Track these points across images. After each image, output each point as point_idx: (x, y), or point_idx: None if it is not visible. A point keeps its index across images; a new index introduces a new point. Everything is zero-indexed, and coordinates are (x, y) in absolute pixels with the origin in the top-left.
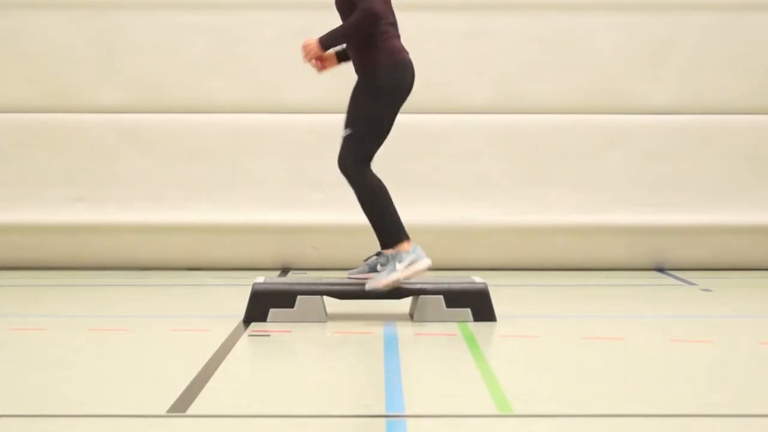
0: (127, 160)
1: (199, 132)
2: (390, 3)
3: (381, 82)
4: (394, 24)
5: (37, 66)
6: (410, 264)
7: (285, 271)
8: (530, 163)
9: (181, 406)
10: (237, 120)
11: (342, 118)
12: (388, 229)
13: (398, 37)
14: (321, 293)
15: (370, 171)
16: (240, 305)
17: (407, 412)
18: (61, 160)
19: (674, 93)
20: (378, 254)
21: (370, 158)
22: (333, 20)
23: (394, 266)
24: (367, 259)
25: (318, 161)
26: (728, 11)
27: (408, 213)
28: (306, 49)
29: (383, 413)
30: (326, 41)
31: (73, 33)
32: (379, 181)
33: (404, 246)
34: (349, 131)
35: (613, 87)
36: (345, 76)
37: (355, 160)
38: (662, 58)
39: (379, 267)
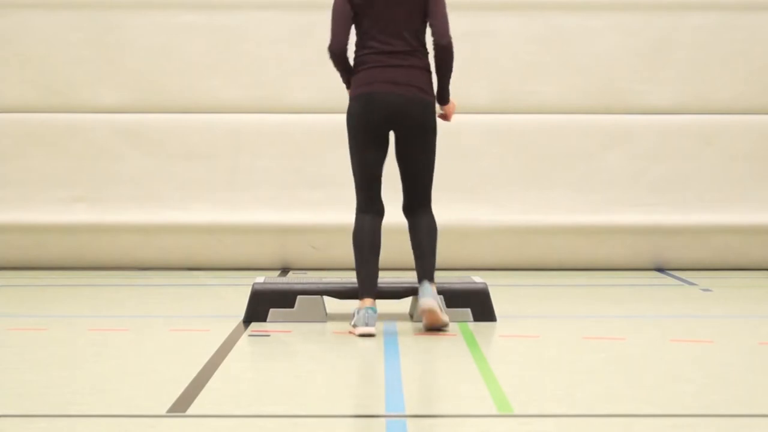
0: (127, 160)
1: (199, 132)
2: (380, 25)
3: (346, 115)
4: (378, 51)
5: (37, 66)
6: (353, 325)
7: (285, 271)
8: (530, 163)
9: (181, 406)
10: (237, 120)
11: (342, 117)
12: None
13: (375, 66)
14: (321, 293)
15: (359, 218)
16: (240, 305)
17: (407, 412)
18: (61, 160)
19: (674, 93)
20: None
21: (367, 196)
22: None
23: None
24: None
25: (318, 161)
26: (728, 11)
27: None
28: (452, 110)
29: (383, 413)
30: (448, 95)
31: (73, 33)
32: (359, 230)
33: (357, 304)
34: None
35: (613, 87)
36: None
37: (357, 202)
38: (662, 58)
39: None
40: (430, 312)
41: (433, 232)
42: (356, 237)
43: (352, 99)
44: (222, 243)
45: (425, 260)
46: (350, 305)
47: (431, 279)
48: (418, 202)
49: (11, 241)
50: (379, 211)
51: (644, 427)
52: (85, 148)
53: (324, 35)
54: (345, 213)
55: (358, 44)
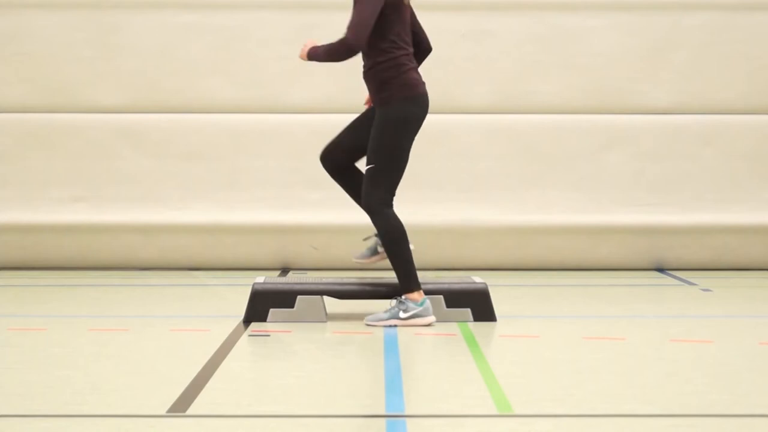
0: (127, 160)
1: (199, 132)
2: (406, 29)
3: (396, 114)
4: (409, 53)
5: (37, 66)
6: (413, 317)
7: (285, 271)
8: (530, 163)
9: (181, 406)
10: (237, 120)
11: (342, 118)
12: (402, 274)
13: (414, 67)
14: (321, 293)
15: (392, 212)
16: (240, 305)
17: (407, 412)
18: (61, 160)
19: (674, 93)
20: (377, 235)
21: (394, 193)
22: (332, 20)
23: (398, 313)
24: (366, 238)
25: (318, 161)
26: (728, 11)
27: (408, 213)
28: (303, 49)
29: (383, 413)
30: (312, 53)
31: (73, 33)
32: (399, 224)
33: (414, 296)
34: (371, 166)
35: (613, 87)
36: (345, 77)
37: (380, 198)
38: (662, 58)
39: (390, 307)
40: None
41: None
42: (399, 232)
43: (412, 99)
44: (222, 243)
45: None
46: (350, 305)
47: None
48: None
49: (11, 241)
50: None
51: (644, 427)
52: (85, 148)
53: (324, 35)
54: (345, 213)
55: (388, 46)
